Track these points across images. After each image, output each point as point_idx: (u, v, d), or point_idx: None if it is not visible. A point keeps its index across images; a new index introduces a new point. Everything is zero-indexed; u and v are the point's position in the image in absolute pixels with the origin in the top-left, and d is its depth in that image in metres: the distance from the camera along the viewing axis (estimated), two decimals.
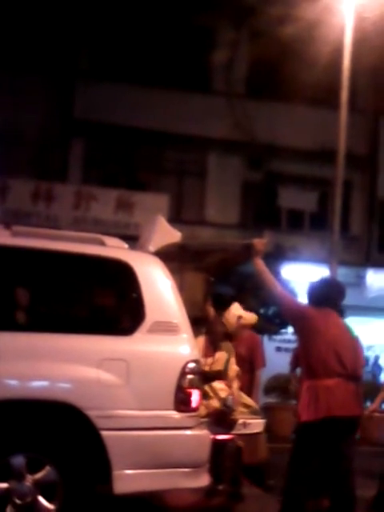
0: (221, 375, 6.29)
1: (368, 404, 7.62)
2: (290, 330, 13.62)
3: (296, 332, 5.57)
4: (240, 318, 6.71)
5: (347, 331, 5.47)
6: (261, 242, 5.73)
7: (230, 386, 6.34)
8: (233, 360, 6.56)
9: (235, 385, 6.43)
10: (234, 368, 6.53)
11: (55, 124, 17.11)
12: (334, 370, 5.21)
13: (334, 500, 5.35)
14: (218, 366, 6.38)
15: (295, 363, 7.61)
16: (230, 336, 6.72)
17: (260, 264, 5.54)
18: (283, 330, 14.77)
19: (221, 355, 6.48)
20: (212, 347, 6.47)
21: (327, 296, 5.46)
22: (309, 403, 5.19)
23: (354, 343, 5.44)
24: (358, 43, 14.87)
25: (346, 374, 5.26)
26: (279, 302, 5.52)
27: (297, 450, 5.26)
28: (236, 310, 6.76)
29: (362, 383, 5.47)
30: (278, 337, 15.70)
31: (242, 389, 6.69)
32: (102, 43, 17.51)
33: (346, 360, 5.27)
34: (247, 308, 7.60)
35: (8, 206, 15.38)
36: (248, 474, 7.16)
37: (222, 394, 6.11)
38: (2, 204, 15.32)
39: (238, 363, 6.83)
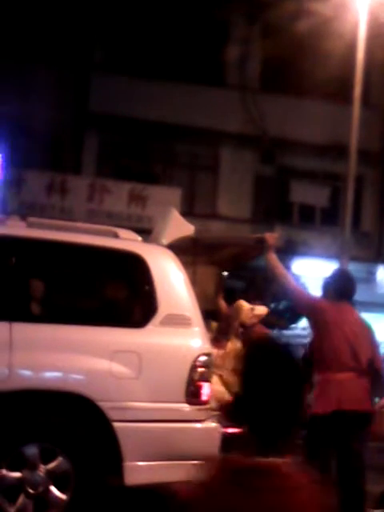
0: None
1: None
2: (301, 324, 13.65)
3: (310, 325, 5.57)
4: (253, 309, 6.79)
5: (363, 325, 5.47)
6: (272, 236, 5.74)
7: None
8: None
9: None
10: None
11: (69, 117, 17.14)
12: (348, 364, 5.21)
13: (344, 495, 5.35)
14: (229, 358, 6.42)
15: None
16: (245, 327, 6.78)
17: (273, 258, 5.54)
18: (293, 325, 14.78)
19: (232, 347, 6.52)
20: (224, 339, 6.51)
21: (343, 289, 5.45)
22: (320, 396, 5.20)
23: (369, 338, 5.44)
24: (372, 39, 14.82)
25: (360, 369, 5.27)
26: (293, 295, 5.52)
27: (308, 442, 5.27)
28: (245, 304, 6.83)
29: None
30: (289, 332, 15.70)
31: None
32: (117, 36, 17.50)
33: (361, 355, 5.27)
34: (258, 302, 7.66)
35: (23, 199, 15.45)
36: None
37: (234, 388, 6.14)
38: (17, 196, 15.38)
39: None
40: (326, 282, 5.52)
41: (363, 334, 5.37)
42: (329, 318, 5.26)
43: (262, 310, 6.89)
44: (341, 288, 5.44)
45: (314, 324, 5.41)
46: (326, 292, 5.49)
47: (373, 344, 5.46)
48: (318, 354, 5.37)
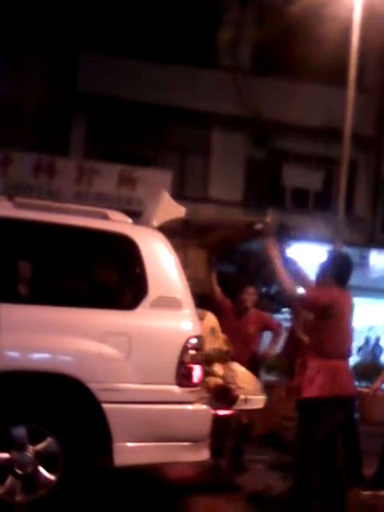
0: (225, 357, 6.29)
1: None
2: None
3: (320, 316, 5.24)
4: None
5: (352, 310, 5.49)
6: (270, 220, 5.71)
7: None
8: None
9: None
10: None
11: (58, 98, 16.97)
12: (344, 352, 5.28)
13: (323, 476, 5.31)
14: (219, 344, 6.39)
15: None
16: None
17: (273, 249, 5.48)
18: (284, 310, 14.78)
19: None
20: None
21: (344, 274, 5.36)
22: (316, 381, 5.14)
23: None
24: (367, 22, 14.73)
25: (348, 356, 5.33)
26: (303, 299, 5.29)
27: (309, 426, 5.19)
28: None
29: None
30: (280, 316, 15.70)
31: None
32: (106, 17, 17.30)
33: (351, 343, 5.34)
34: (249, 286, 7.65)
35: (9, 179, 15.30)
36: (268, 442, 7.25)
37: (221, 371, 6.13)
38: (3, 177, 15.24)
39: (246, 341, 6.93)
40: (325, 266, 5.40)
41: (352, 323, 5.41)
42: (341, 310, 5.22)
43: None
44: (341, 273, 5.35)
45: (327, 316, 5.17)
46: (324, 276, 5.35)
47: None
48: (317, 341, 5.25)
